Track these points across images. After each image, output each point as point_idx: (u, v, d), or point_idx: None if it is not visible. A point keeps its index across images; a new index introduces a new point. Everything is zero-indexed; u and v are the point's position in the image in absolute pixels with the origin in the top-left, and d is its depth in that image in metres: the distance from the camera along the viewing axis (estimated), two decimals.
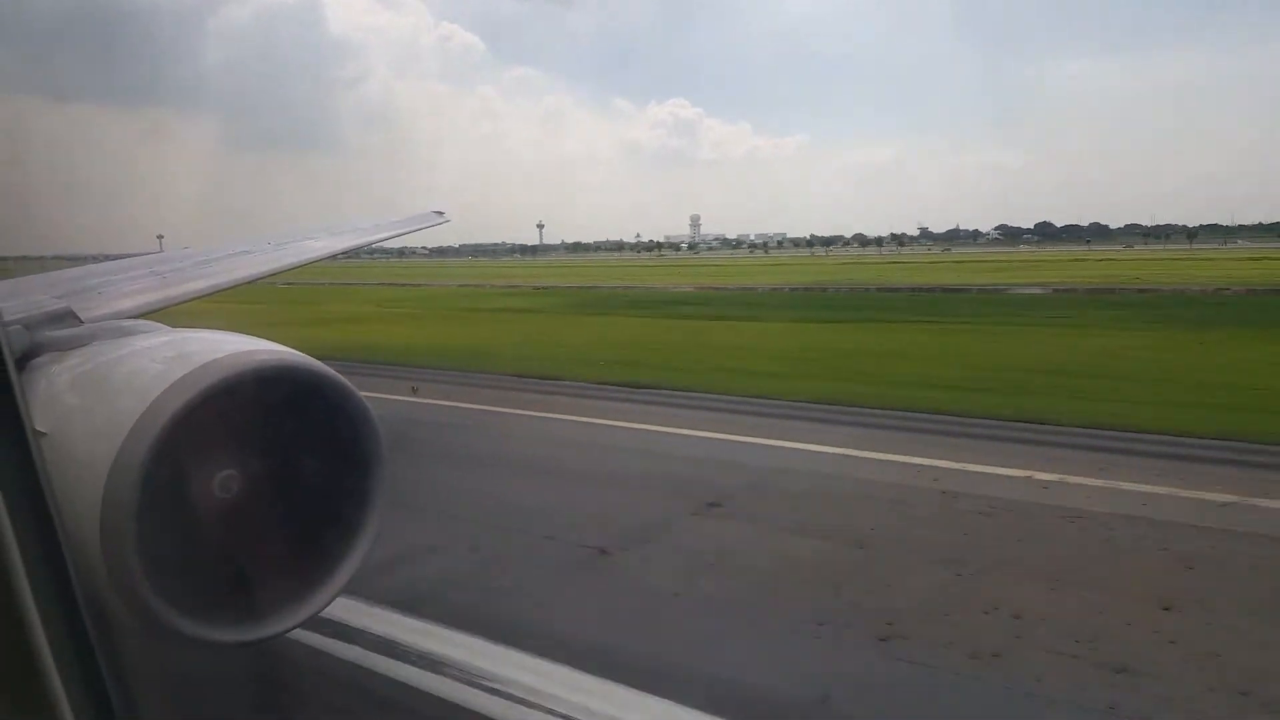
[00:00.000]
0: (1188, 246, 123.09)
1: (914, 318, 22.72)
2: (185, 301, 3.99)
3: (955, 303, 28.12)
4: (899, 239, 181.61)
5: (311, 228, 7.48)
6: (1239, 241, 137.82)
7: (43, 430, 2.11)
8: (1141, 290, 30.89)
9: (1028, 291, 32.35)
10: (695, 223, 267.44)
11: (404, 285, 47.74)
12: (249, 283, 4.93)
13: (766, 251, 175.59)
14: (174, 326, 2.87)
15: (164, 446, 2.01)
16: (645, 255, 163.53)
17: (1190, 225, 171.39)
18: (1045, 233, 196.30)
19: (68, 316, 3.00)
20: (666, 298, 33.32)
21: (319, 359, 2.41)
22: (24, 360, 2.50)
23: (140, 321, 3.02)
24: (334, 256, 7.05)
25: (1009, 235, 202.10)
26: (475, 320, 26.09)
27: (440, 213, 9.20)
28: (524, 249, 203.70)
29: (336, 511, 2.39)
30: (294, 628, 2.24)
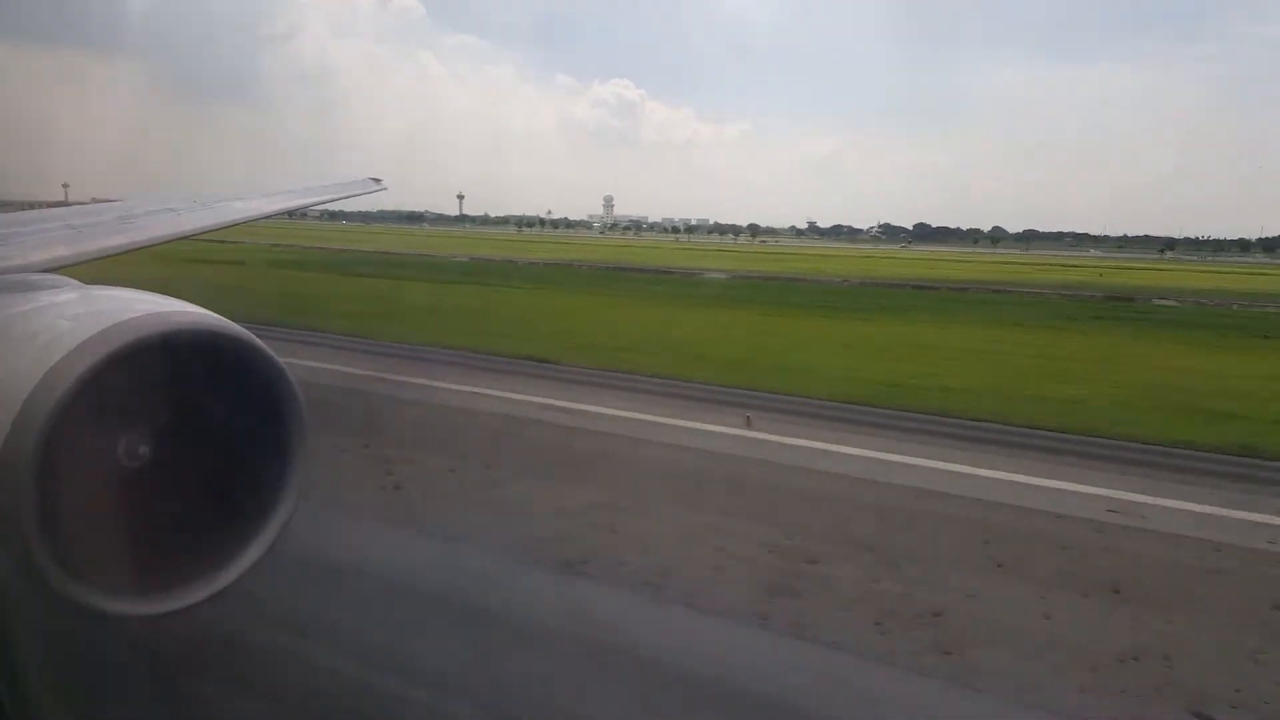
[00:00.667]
0: (991, 250, 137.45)
1: (526, 284, 28.97)
2: (101, 258, 3.56)
3: (609, 278, 34.82)
4: (755, 230, 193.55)
5: (242, 188, 6.86)
6: (1091, 250, 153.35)
7: None
8: (790, 280, 38.04)
9: (712, 276, 39.20)
10: (608, 203, 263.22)
11: (235, 243, 46.11)
12: (170, 241, 4.47)
13: (638, 233, 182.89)
14: (87, 283, 2.55)
15: (68, 408, 1.74)
16: (522, 231, 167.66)
17: (1095, 234, 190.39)
18: (920, 233, 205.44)
19: None
20: (418, 263, 39.39)
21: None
22: None
23: (50, 276, 2.66)
24: (266, 218, 6.49)
25: (889, 233, 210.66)
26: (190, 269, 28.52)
27: (377, 180, 8.54)
28: (411, 217, 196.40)
29: (252, 480, 2.17)
30: (204, 601, 2.03)
